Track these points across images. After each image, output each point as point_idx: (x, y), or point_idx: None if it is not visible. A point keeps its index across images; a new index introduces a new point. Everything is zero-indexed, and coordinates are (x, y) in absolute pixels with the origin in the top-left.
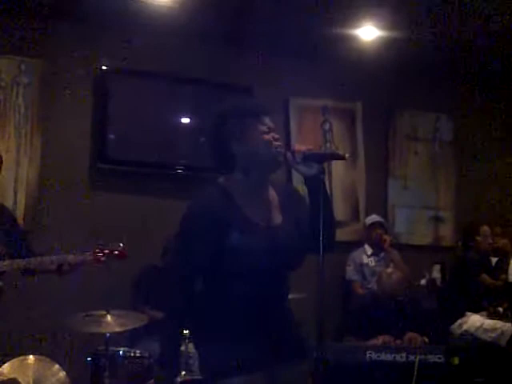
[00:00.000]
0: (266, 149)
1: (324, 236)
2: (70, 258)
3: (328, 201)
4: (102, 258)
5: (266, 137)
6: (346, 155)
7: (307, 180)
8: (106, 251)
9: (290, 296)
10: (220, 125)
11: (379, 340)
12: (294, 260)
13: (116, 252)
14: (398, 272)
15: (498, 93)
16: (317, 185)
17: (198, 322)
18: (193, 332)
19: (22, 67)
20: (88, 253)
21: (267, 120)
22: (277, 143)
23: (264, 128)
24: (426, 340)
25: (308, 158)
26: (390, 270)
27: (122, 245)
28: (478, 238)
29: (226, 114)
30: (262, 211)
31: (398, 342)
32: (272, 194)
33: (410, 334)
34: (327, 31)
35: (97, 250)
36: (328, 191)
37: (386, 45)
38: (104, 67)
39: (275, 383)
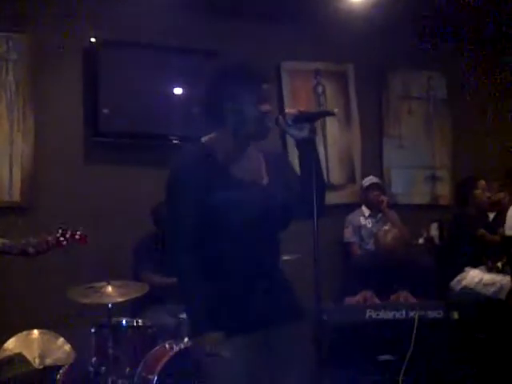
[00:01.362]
0: (258, 118)
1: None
2: (32, 242)
3: (319, 164)
4: (64, 243)
5: (261, 106)
6: (335, 110)
7: (299, 142)
8: (68, 235)
9: (283, 257)
10: (218, 82)
11: (360, 297)
12: (279, 219)
13: (77, 237)
14: (395, 230)
15: (490, 47)
16: (309, 147)
17: (188, 285)
18: (183, 294)
19: (10, 43)
20: (50, 237)
21: (265, 88)
22: (268, 115)
23: (261, 96)
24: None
25: (299, 119)
26: (386, 227)
27: (81, 229)
28: (477, 192)
29: (227, 73)
30: (246, 171)
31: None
32: (260, 159)
33: (400, 293)
34: None
35: (58, 234)
36: (319, 154)
37: (376, 4)
38: (93, 39)
39: (272, 344)
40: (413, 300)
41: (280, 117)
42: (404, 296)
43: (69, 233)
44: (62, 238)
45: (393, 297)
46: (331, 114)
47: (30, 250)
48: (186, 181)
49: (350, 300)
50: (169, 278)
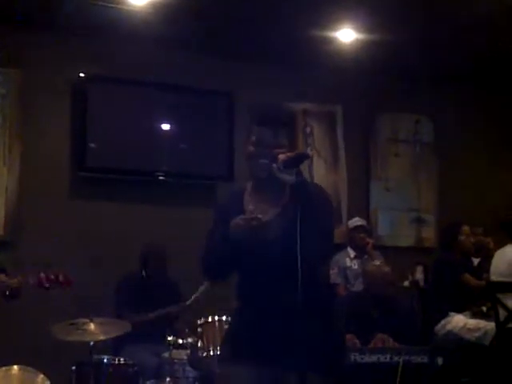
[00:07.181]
0: (249, 157)
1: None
2: (13, 282)
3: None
4: (46, 285)
5: (250, 148)
6: (308, 151)
7: (292, 188)
8: (51, 278)
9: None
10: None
11: (378, 339)
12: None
13: (60, 279)
14: (386, 266)
15: (477, 93)
16: (302, 190)
17: None
18: None
19: None
20: (31, 278)
21: (263, 130)
22: (261, 160)
23: (258, 137)
24: (392, 342)
25: (287, 164)
26: (378, 263)
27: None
28: (461, 238)
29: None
30: (260, 208)
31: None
32: (284, 199)
33: (380, 336)
34: (305, 35)
35: (41, 276)
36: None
37: (365, 47)
38: (82, 75)
39: None
40: (392, 343)
41: (274, 164)
42: (383, 339)
43: (52, 275)
44: (44, 280)
45: (373, 340)
46: (306, 156)
47: (9, 292)
48: (216, 213)
49: None
50: (149, 313)
